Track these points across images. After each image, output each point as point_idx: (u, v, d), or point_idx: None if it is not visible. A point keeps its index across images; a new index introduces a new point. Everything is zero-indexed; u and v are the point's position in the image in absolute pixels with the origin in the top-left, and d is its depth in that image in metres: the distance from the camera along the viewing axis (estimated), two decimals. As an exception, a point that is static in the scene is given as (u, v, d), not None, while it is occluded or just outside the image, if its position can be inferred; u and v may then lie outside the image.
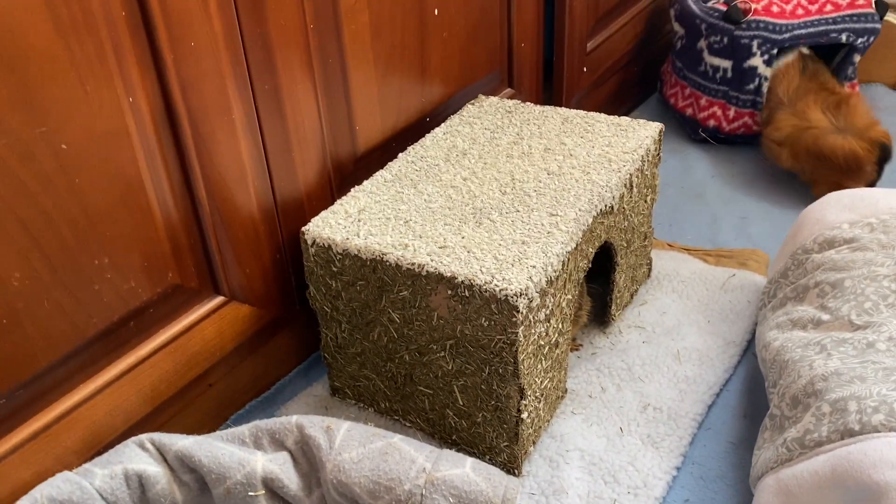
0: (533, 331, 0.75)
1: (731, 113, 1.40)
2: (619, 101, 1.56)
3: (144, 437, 0.69)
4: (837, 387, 0.69)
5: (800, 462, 0.67)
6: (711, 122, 1.43)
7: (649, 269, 1.09)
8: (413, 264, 0.75)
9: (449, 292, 0.75)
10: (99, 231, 0.66)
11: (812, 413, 0.70)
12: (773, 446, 0.72)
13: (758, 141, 1.44)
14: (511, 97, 1.19)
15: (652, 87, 1.68)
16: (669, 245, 1.18)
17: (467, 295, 0.73)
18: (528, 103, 1.05)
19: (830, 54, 1.44)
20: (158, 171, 0.70)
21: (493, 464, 0.83)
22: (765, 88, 1.35)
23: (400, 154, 0.94)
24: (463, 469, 0.66)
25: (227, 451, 0.69)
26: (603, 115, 1.01)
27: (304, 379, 0.96)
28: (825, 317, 0.80)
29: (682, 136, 1.52)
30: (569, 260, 0.79)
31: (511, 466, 0.82)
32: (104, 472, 0.66)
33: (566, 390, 0.91)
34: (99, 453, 0.69)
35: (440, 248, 0.77)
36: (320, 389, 0.94)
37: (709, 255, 1.14)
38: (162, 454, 0.69)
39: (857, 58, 1.40)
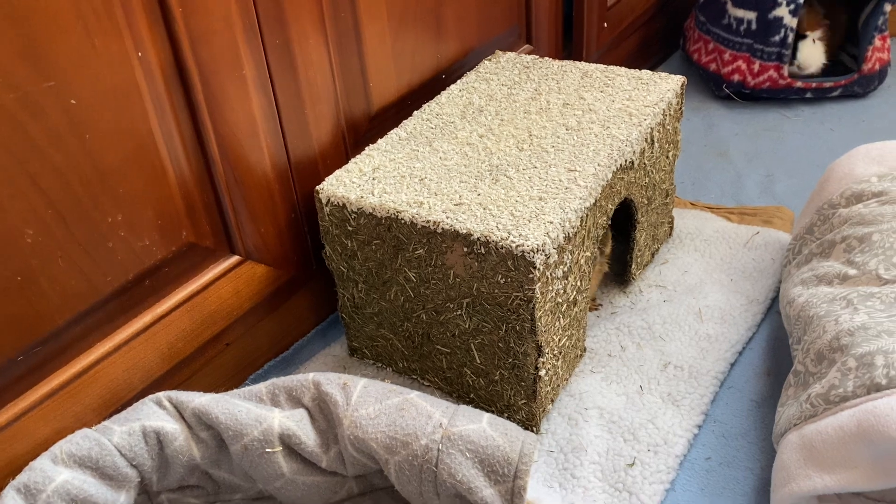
0: (550, 288, 0.74)
1: (756, 67, 1.37)
2: (641, 59, 1.52)
3: (162, 394, 0.70)
4: (864, 341, 0.68)
5: (824, 418, 0.66)
6: (736, 77, 1.39)
7: (671, 228, 1.07)
8: (428, 222, 0.74)
9: (465, 250, 0.73)
10: (111, 188, 0.66)
11: (837, 368, 0.68)
12: (796, 403, 0.71)
13: (783, 96, 1.40)
14: (529, 54, 1.16)
15: (675, 44, 1.64)
16: (692, 204, 1.16)
17: (483, 252, 0.72)
18: (547, 58, 1.03)
19: (860, 4, 1.39)
20: (170, 128, 0.69)
21: (511, 422, 0.82)
22: (790, 40, 1.31)
23: (415, 112, 0.92)
24: (480, 424, 0.65)
25: (245, 408, 0.69)
26: (623, 69, 0.98)
27: (322, 339, 0.96)
28: (852, 271, 0.78)
29: (705, 93, 1.48)
30: (587, 216, 0.78)
31: (529, 424, 0.81)
32: (122, 429, 0.66)
33: (585, 349, 0.90)
34: (117, 411, 0.69)
35: (456, 205, 0.76)
36: (338, 350, 0.94)
37: (732, 213, 1.12)
38: (179, 412, 0.69)
39: (887, 7, 1.35)
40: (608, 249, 0.91)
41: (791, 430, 0.69)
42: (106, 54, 0.62)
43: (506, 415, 0.83)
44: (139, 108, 0.66)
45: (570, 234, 0.75)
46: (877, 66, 1.38)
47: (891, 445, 0.60)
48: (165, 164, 0.70)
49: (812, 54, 1.37)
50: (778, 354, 0.89)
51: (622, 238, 0.97)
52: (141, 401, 0.69)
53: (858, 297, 0.74)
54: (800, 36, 1.37)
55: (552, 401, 0.84)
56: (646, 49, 1.53)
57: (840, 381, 0.67)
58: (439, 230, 0.74)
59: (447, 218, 0.74)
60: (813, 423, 0.67)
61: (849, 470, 0.63)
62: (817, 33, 1.38)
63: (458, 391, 0.86)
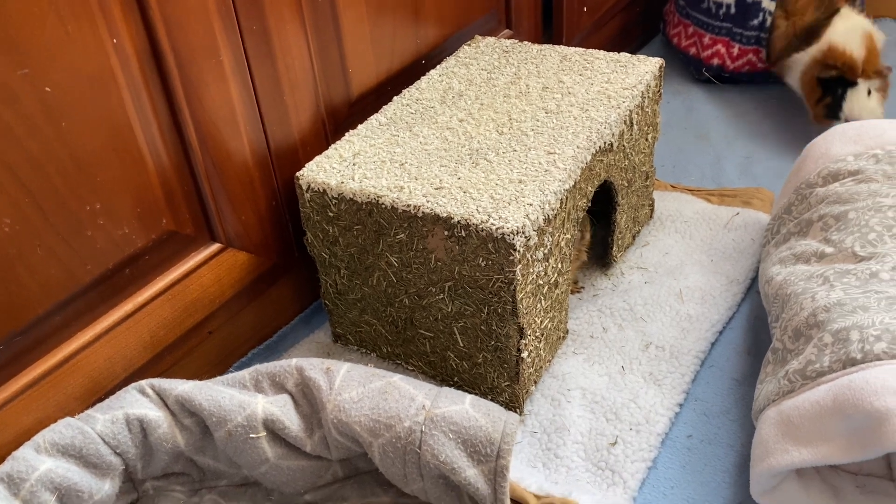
0: (531, 270, 0.75)
1: (735, 50, 1.37)
2: (622, 43, 1.52)
3: (145, 382, 0.70)
4: (840, 317, 0.69)
5: (801, 393, 0.67)
6: (715, 61, 1.40)
7: (651, 210, 1.08)
8: (409, 206, 0.74)
9: (445, 233, 0.74)
10: (89, 176, 0.65)
11: (814, 344, 0.69)
12: (774, 379, 0.72)
13: (762, 79, 1.41)
14: (509, 39, 1.16)
15: (655, 28, 1.64)
16: (672, 186, 1.16)
17: (464, 235, 0.73)
18: (526, 42, 1.03)
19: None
20: (147, 115, 0.69)
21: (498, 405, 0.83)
22: (769, 24, 1.32)
23: (395, 97, 0.92)
24: (462, 405, 0.66)
25: (228, 394, 0.69)
26: (602, 52, 0.98)
27: (306, 326, 0.96)
28: (829, 249, 0.79)
29: (685, 77, 1.49)
30: (567, 198, 0.78)
31: (512, 406, 0.82)
32: (105, 417, 0.66)
33: (567, 331, 0.90)
34: (100, 400, 0.69)
35: (436, 189, 0.76)
36: (323, 336, 0.94)
37: (712, 194, 1.13)
38: (163, 399, 0.69)
39: (864, -10, 1.36)
40: (588, 235, 0.91)
41: (769, 406, 0.70)
42: (80, 41, 0.61)
43: (489, 397, 0.83)
44: (115, 96, 0.66)
45: (550, 216, 0.75)
46: (854, 48, 1.39)
47: (865, 418, 0.61)
48: (143, 151, 0.70)
49: (866, 107, 1.15)
50: (758, 333, 0.90)
51: (603, 221, 0.97)
52: (124, 389, 0.69)
53: (834, 275, 0.75)
54: (847, 83, 1.15)
55: (535, 382, 0.84)
56: (626, 34, 1.54)
57: (816, 356, 0.68)
58: (420, 214, 0.74)
59: (427, 202, 0.74)
60: (790, 399, 0.68)
61: (825, 443, 0.64)
62: (875, 83, 1.14)
63: (442, 375, 0.86)
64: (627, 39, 1.55)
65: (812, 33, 1.20)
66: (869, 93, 1.15)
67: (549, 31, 1.30)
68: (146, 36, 0.67)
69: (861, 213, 0.80)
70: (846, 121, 1.14)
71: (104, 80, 0.64)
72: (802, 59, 1.22)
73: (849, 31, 1.16)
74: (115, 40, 0.64)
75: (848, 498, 0.70)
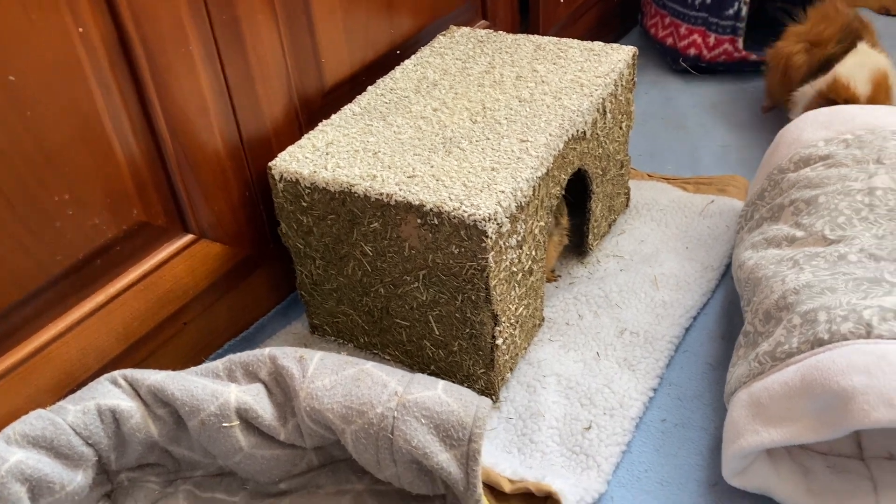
0: (504, 257, 0.75)
1: (712, 40, 1.38)
2: (600, 34, 1.53)
3: (117, 373, 0.69)
4: (808, 299, 0.69)
5: (771, 374, 0.68)
6: (692, 51, 1.41)
7: (627, 199, 1.09)
8: (381, 194, 0.75)
9: (418, 221, 0.74)
10: (57, 167, 0.65)
11: (783, 326, 0.70)
12: (745, 362, 0.72)
13: (739, 69, 1.42)
14: (486, 29, 1.16)
15: (633, 19, 1.65)
16: (649, 175, 1.17)
17: (436, 223, 0.73)
18: (501, 32, 1.03)
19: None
20: (116, 105, 0.69)
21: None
22: (744, 13, 1.33)
23: (369, 87, 0.92)
24: (435, 391, 0.66)
25: (201, 384, 0.69)
26: (576, 41, 0.99)
27: (283, 318, 0.96)
28: (799, 233, 0.80)
29: (663, 68, 1.50)
30: (540, 185, 0.78)
31: (488, 393, 0.82)
32: (77, 408, 0.66)
33: (543, 318, 0.91)
34: (72, 392, 0.69)
35: (409, 177, 0.76)
36: (300, 327, 0.94)
37: (688, 183, 1.13)
38: (135, 389, 0.69)
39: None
40: (564, 221, 0.92)
41: (740, 389, 0.71)
42: (44, 29, 0.61)
43: (466, 384, 0.84)
44: (82, 85, 0.65)
45: (523, 204, 0.76)
46: (829, 37, 1.40)
47: (832, 398, 0.62)
48: (112, 142, 0.69)
49: None
50: (732, 318, 0.91)
51: (579, 209, 0.98)
52: (96, 380, 0.69)
53: (804, 257, 0.75)
54: None
55: (511, 369, 0.85)
56: (604, 24, 1.54)
57: (785, 338, 0.68)
58: (392, 202, 0.74)
59: (400, 190, 0.74)
60: (760, 381, 0.68)
61: (794, 423, 0.64)
62: None
63: (419, 364, 0.87)
64: (605, 30, 1.55)
65: (827, 67, 1.13)
66: None
67: (525, 21, 1.30)
68: (113, 25, 0.67)
69: (831, 198, 0.80)
70: None
71: (70, 70, 0.64)
72: (808, 93, 1.16)
73: (857, 66, 1.10)
74: (81, 29, 0.64)
75: (818, 478, 0.71)
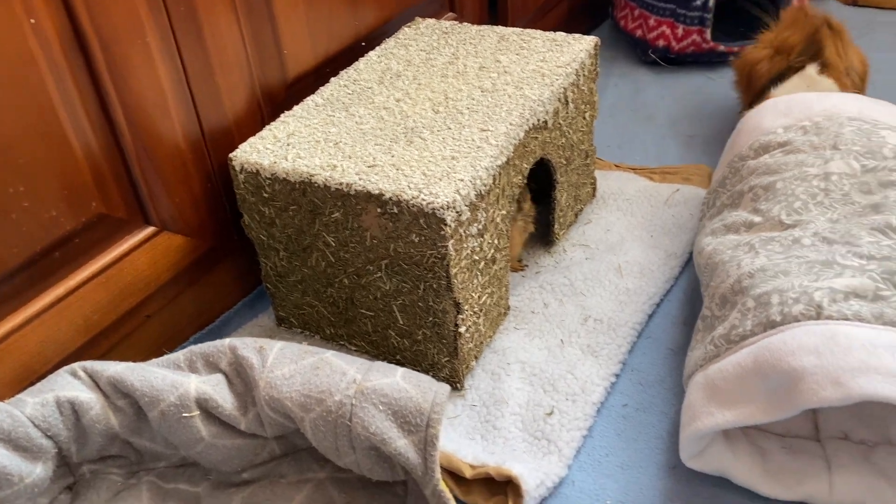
0: (465, 245, 0.75)
1: (680, 31, 1.39)
2: (570, 27, 1.54)
3: (76, 365, 0.69)
4: (762, 282, 0.70)
5: (726, 357, 0.69)
6: (661, 42, 1.42)
7: (594, 189, 1.09)
8: (341, 184, 0.75)
9: (378, 210, 0.74)
10: (10, 159, 0.65)
11: (738, 309, 0.71)
12: (702, 345, 0.73)
13: (707, 60, 1.43)
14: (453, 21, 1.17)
15: (604, 12, 1.66)
16: (616, 165, 1.18)
17: (396, 212, 0.73)
18: (466, 23, 1.03)
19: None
20: (72, 97, 0.69)
21: (436, 380, 0.84)
22: (711, 4, 1.34)
23: (332, 78, 0.92)
24: (393, 378, 0.66)
25: (160, 374, 0.69)
26: (539, 32, 0.99)
27: (249, 310, 0.96)
28: (757, 219, 0.81)
29: (633, 59, 1.51)
30: (500, 174, 0.79)
31: (453, 381, 0.83)
32: (35, 400, 0.66)
33: (509, 307, 0.91)
34: (32, 385, 0.69)
35: (369, 167, 0.76)
36: (266, 320, 0.94)
37: (654, 172, 1.14)
38: (95, 381, 0.69)
39: (804, -30, 1.38)
40: (527, 206, 0.92)
41: (697, 372, 0.72)
42: (-5, 21, 0.61)
43: (431, 373, 0.84)
44: (35, 77, 0.65)
45: (483, 192, 0.76)
46: (796, 28, 1.41)
47: (782, 378, 0.63)
48: (69, 133, 0.69)
49: None
50: (694, 304, 0.92)
51: (546, 199, 0.98)
52: (55, 372, 0.69)
53: (760, 242, 0.76)
54: None
55: (476, 357, 0.85)
56: (574, 17, 1.55)
57: (740, 321, 0.69)
58: (352, 192, 0.74)
59: (360, 179, 0.75)
60: (715, 363, 0.69)
61: (747, 404, 0.65)
62: None
63: (385, 354, 0.87)
64: (576, 23, 1.56)
65: (787, 75, 1.08)
66: None
67: (494, 14, 1.31)
68: (67, 16, 0.66)
69: (788, 183, 0.82)
70: None
71: (23, 62, 0.64)
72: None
73: (792, 89, 1.04)
74: (32, 20, 0.63)
75: (774, 458, 0.72)
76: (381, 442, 0.64)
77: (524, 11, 1.34)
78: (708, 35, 1.39)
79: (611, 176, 1.14)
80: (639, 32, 1.46)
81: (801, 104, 0.91)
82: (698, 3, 1.35)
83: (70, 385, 0.68)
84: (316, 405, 0.66)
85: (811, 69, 1.04)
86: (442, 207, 0.71)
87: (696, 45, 1.40)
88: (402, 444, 0.64)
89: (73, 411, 0.67)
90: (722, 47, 1.41)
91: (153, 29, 0.73)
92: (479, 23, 1.23)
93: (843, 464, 0.70)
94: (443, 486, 0.64)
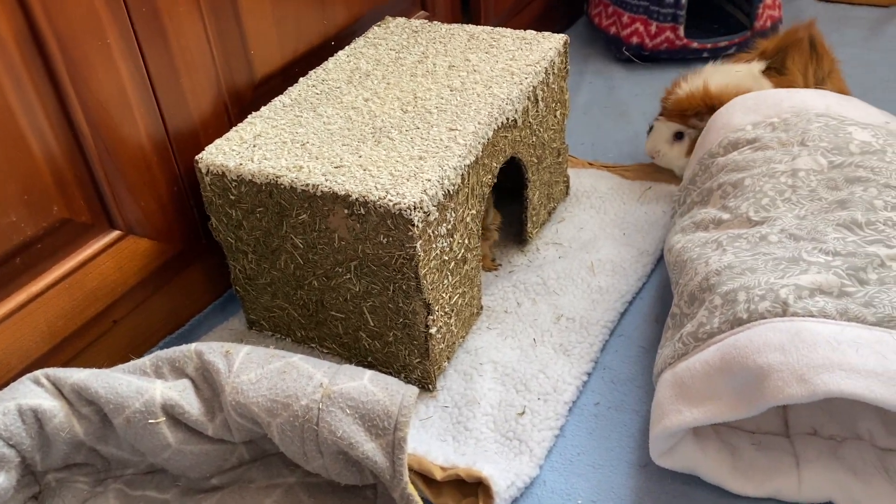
0: (434, 245, 0.75)
1: (653, 28, 1.39)
2: (544, 25, 1.53)
3: (39, 372, 0.68)
4: (729, 279, 0.70)
5: (693, 354, 0.69)
6: (634, 39, 1.42)
7: (567, 187, 1.09)
8: (308, 185, 0.74)
9: (346, 211, 0.74)
10: (-33, 163, 0.64)
11: (706, 307, 0.71)
12: (671, 343, 0.73)
13: (681, 56, 1.44)
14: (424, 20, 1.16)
15: (579, 9, 1.66)
16: (590, 163, 1.18)
17: (363, 213, 0.73)
18: (436, 22, 1.03)
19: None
20: (30, 100, 0.67)
21: (408, 381, 0.83)
22: (684, 1, 1.34)
23: (301, 79, 0.92)
24: (361, 381, 0.66)
25: (125, 381, 0.68)
26: (509, 31, 0.99)
27: (220, 314, 0.95)
28: (725, 216, 0.81)
29: (607, 57, 1.51)
30: (469, 173, 0.79)
31: (425, 382, 0.82)
32: (-4, 409, 0.65)
33: (482, 307, 0.91)
34: (-6, 393, 0.67)
35: (336, 167, 0.76)
36: (237, 323, 0.93)
37: (627, 170, 1.14)
38: (58, 388, 0.68)
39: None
40: (492, 214, 0.92)
41: (666, 370, 0.72)
42: (-53, 23, 0.60)
43: (402, 375, 0.84)
44: (-8, 80, 0.64)
45: (451, 192, 0.76)
46: (768, 24, 1.43)
47: (749, 375, 0.63)
48: (27, 137, 0.68)
49: (666, 152, 1.08)
50: (666, 302, 0.92)
51: (518, 198, 0.98)
52: (18, 380, 0.68)
53: (727, 239, 0.76)
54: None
55: (448, 358, 0.85)
56: (549, 15, 1.55)
57: (707, 318, 0.69)
58: (319, 193, 0.74)
59: (326, 181, 0.74)
60: (684, 361, 0.69)
61: (714, 402, 0.65)
62: (691, 132, 1.04)
63: (357, 356, 0.86)
64: (550, 21, 1.56)
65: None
66: (680, 136, 1.06)
67: (467, 12, 1.30)
68: (23, 18, 0.65)
69: (756, 180, 0.82)
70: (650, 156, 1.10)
71: (-22, 64, 0.63)
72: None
73: (729, 71, 1.05)
74: (-13, 22, 0.62)
75: (744, 455, 0.72)
76: (349, 446, 0.63)
77: (497, 9, 1.33)
78: (681, 32, 1.39)
79: (584, 174, 1.14)
80: (612, 30, 1.46)
81: (770, 101, 0.92)
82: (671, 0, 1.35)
83: (32, 393, 0.67)
84: (282, 410, 0.65)
85: (756, 66, 1.06)
86: (409, 208, 0.70)
87: (670, 42, 1.40)
88: (369, 448, 0.63)
89: (36, 419, 0.66)
90: (695, 44, 1.41)
91: (114, 29, 0.72)
92: (452, 21, 1.22)
93: (812, 459, 0.70)
94: (411, 489, 0.63)
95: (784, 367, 0.61)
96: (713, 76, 1.06)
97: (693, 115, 1.04)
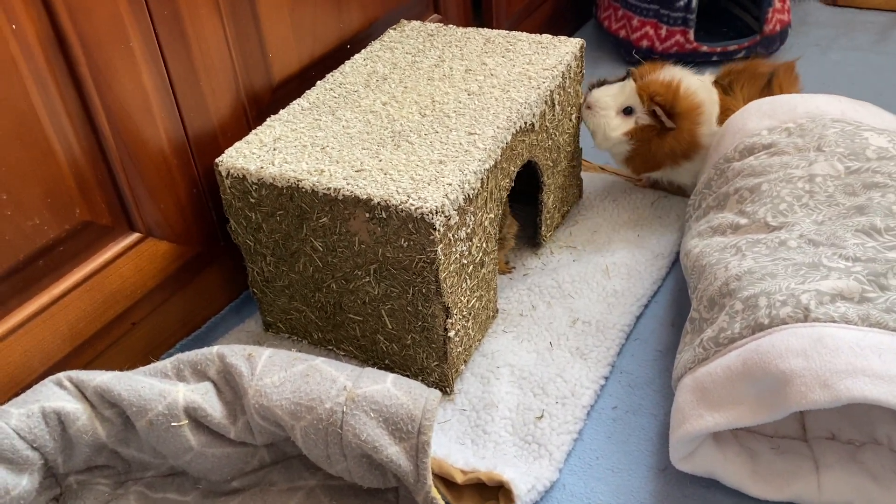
0: (454, 249, 0.75)
1: (663, 32, 1.40)
2: (554, 28, 1.54)
3: (62, 375, 0.68)
4: (749, 285, 0.71)
5: (714, 359, 0.69)
6: (644, 43, 1.42)
7: (580, 191, 1.10)
8: (329, 189, 0.74)
9: (367, 215, 0.74)
10: (-8, 166, 0.64)
11: (726, 312, 0.71)
12: (691, 348, 0.74)
13: (690, 60, 1.44)
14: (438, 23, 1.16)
15: (587, 13, 1.66)
16: (602, 168, 1.18)
17: (385, 216, 0.73)
18: (451, 26, 1.03)
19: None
20: (54, 103, 0.68)
21: (425, 384, 0.84)
22: (694, 4, 1.35)
23: (318, 82, 0.92)
24: (384, 384, 0.66)
25: (148, 383, 0.68)
26: (525, 34, 0.99)
27: (236, 316, 0.95)
28: (743, 221, 0.81)
29: (617, 61, 1.51)
30: (488, 178, 0.79)
31: (443, 385, 0.83)
32: (21, 411, 0.65)
33: (497, 310, 0.91)
34: (17, 395, 0.68)
35: (357, 171, 0.76)
36: (253, 325, 0.93)
37: (640, 179, 1.15)
38: (81, 391, 0.68)
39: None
40: (508, 227, 0.92)
41: (686, 375, 0.72)
42: (-25, 27, 0.60)
43: (420, 378, 0.84)
44: (17, 83, 0.64)
45: (471, 196, 0.76)
46: (777, 28, 1.43)
47: (771, 381, 0.63)
48: (52, 140, 0.68)
49: (598, 124, 1.01)
50: (681, 305, 0.93)
51: (532, 201, 0.98)
52: (41, 382, 0.68)
53: (746, 244, 0.77)
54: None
55: (465, 361, 0.85)
56: (558, 18, 1.55)
57: (728, 323, 0.70)
58: (340, 197, 0.74)
59: (348, 184, 0.74)
60: (704, 366, 0.70)
61: (736, 407, 0.66)
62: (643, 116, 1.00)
63: (374, 358, 0.87)
64: (560, 24, 1.56)
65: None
66: (629, 112, 1.01)
67: (478, 15, 1.30)
68: (49, 22, 0.65)
69: (773, 185, 0.82)
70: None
71: (4, 68, 0.63)
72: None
73: (678, 73, 1.03)
74: (14, 26, 0.62)
75: (763, 460, 0.72)
76: (373, 449, 0.63)
77: (508, 12, 1.34)
78: (691, 35, 1.39)
79: (597, 178, 1.14)
80: (622, 33, 1.46)
81: (785, 106, 0.92)
82: (681, 3, 1.36)
83: (56, 395, 0.67)
84: (306, 413, 0.65)
85: (708, 77, 1.05)
86: (431, 212, 0.70)
87: (680, 45, 1.41)
88: (393, 452, 0.63)
89: (60, 422, 0.66)
90: (705, 48, 1.42)
91: (136, 32, 0.72)
92: (464, 24, 1.22)
93: (831, 464, 0.71)
94: (435, 493, 0.63)
95: (807, 373, 0.61)
96: (686, 78, 1.02)
97: (658, 104, 0.98)
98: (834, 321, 0.64)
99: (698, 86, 1.01)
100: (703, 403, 0.68)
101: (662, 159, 1.01)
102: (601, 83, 1.04)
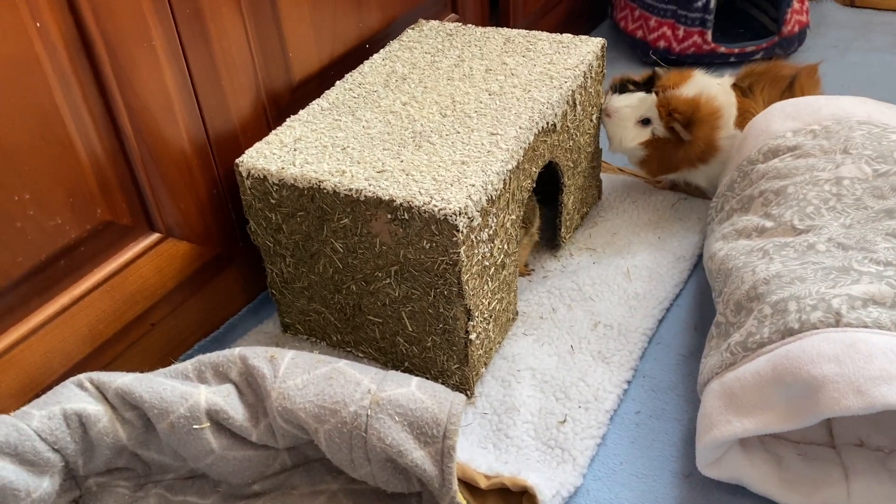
0: (476, 251, 0.74)
1: (681, 32, 1.39)
2: (570, 28, 1.53)
3: (83, 376, 0.68)
4: (778, 289, 0.70)
5: (743, 364, 0.68)
6: (661, 43, 1.41)
7: (599, 191, 1.09)
8: (351, 190, 0.74)
9: (389, 216, 0.73)
10: (15, 165, 0.63)
11: (754, 316, 0.70)
12: (717, 352, 0.73)
13: (708, 61, 1.43)
14: (455, 22, 1.15)
15: (603, 13, 1.65)
16: (620, 170, 1.17)
17: (407, 218, 0.72)
18: (470, 25, 1.02)
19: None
20: (77, 103, 0.67)
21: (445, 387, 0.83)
22: (712, 5, 1.34)
23: (338, 82, 0.91)
24: (408, 388, 0.65)
25: (169, 385, 0.68)
26: (545, 34, 0.98)
27: (254, 317, 0.95)
28: (769, 224, 0.80)
29: (633, 61, 1.50)
30: (510, 179, 0.78)
31: (463, 388, 0.82)
32: (42, 413, 0.65)
33: (517, 313, 0.90)
34: (37, 396, 0.67)
35: (378, 172, 0.75)
36: (271, 326, 0.93)
37: (659, 181, 1.14)
38: (102, 392, 0.67)
39: (804, -29, 1.38)
40: (535, 227, 0.92)
41: (713, 379, 0.71)
42: None
43: (440, 381, 0.83)
44: (41, 82, 0.64)
45: (494, 197, 0.75)
46: (796, 29, 1.42)
47: (802, 386, 0.62)
48: (74, 139, 0.68)
49: (615, 134, 1.01)
50: (704, 309, 0.92)
51: (551, 203, 0.98)
52: (62, 384, 0.67)
53: (774, 248, 0.76)
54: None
55: (486, 364, 0.84)
56: (574, 18, 1.54)
57: (757, 328, 0.69)
58: (362, 198, 0.73)
59: (370, 185, 0.73)
60: (732, 371, 0.69)
61: (765, 412, 0.65)
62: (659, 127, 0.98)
63: (393, 360, 0.86)
64: (575, 24, 1.55)
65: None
66: (646, 123, 1.00)
67: (495, 14, 1.30)
68: (73, 20, 0.65)
69: (799, 188, 0.81)
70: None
71: (28, 66, 0.62)
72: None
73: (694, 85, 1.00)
74: (38, 24, 0.62)
75: (790, 466, 0.71)
76: (398, 454, 0.63)
77: (525, 12, 1.33)
78: (709, 36, 1.38)
79: (616, 180, 1.13)
80: (639, 33, 1.45)
81: (809, 108, 0.91)
82: (699, 4, 1.35)
83: (77, 397, 0.67)
84: (330, 416, 0.64)
85: (727, 80, 1.04)
86: (454, 213, 0.70)
87: (697, 46, 1.40)
88: (418, 456, 0.63)
89: (81, 424, 0.66)
90: (723, 49, 1.40)
91: (159, 31, 0.71)
92: (481, 23, 1.22)
93: (861, 471, 0.69)
94: (460, 497, 0.63)
95: (840, 379, 0.60)
96: (708, 89, 0.99)
97: (676, 121, 0.97)
98: (867, 326, 0.63)
99: (717, 91, 1.00)
100: (731, 409, 0.67)
101: (678, 163, 1.01)
102: (625, 80, 1.03)
